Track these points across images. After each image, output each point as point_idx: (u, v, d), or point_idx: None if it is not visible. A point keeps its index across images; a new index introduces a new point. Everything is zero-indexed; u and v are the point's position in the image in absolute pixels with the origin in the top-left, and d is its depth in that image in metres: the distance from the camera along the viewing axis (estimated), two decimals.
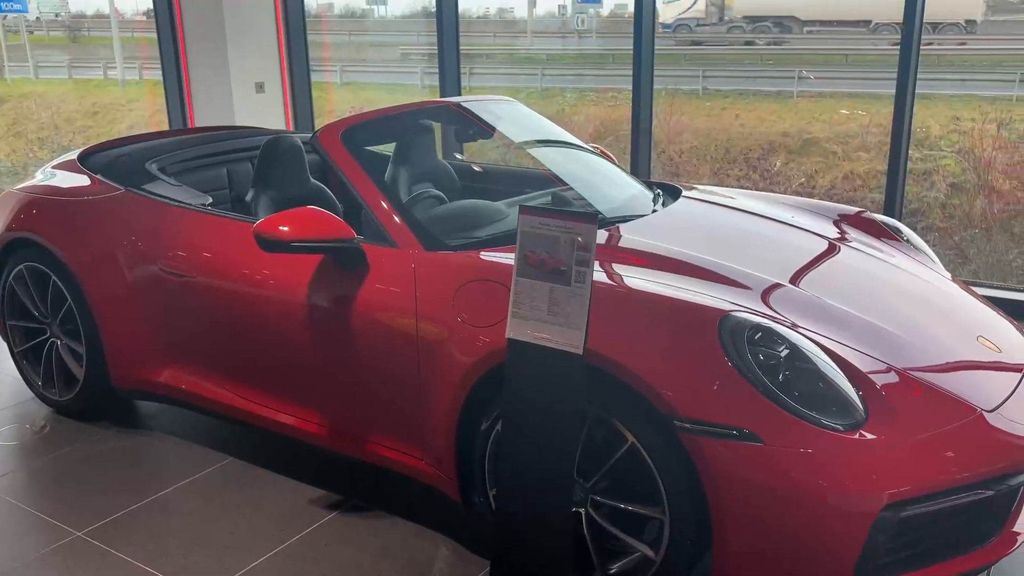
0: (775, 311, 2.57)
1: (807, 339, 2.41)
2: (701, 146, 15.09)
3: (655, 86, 5.72)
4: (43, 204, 3.84)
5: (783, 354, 2.33)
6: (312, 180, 3.80)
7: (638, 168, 5.69)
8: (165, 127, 7.54)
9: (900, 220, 4.26)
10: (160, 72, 7.28)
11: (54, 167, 4.13)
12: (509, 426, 2.39)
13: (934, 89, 16.87)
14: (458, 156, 5.01)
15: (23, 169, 14.72)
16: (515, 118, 4.00)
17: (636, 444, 2.36)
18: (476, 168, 4.39)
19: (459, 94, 6.44)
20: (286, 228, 2.86)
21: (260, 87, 7.17)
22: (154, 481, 3.39)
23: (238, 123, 6.83)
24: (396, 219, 2.99)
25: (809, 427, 2.21)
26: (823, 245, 3.24)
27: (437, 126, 4.21)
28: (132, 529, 3.08)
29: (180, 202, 3.58)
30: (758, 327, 2.37)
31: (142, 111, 19.36)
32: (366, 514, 3.14)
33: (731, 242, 3.19)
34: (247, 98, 7.06)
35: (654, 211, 3.39)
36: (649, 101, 5.72)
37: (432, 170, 4.02)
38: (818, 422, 2.22)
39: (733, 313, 2.39)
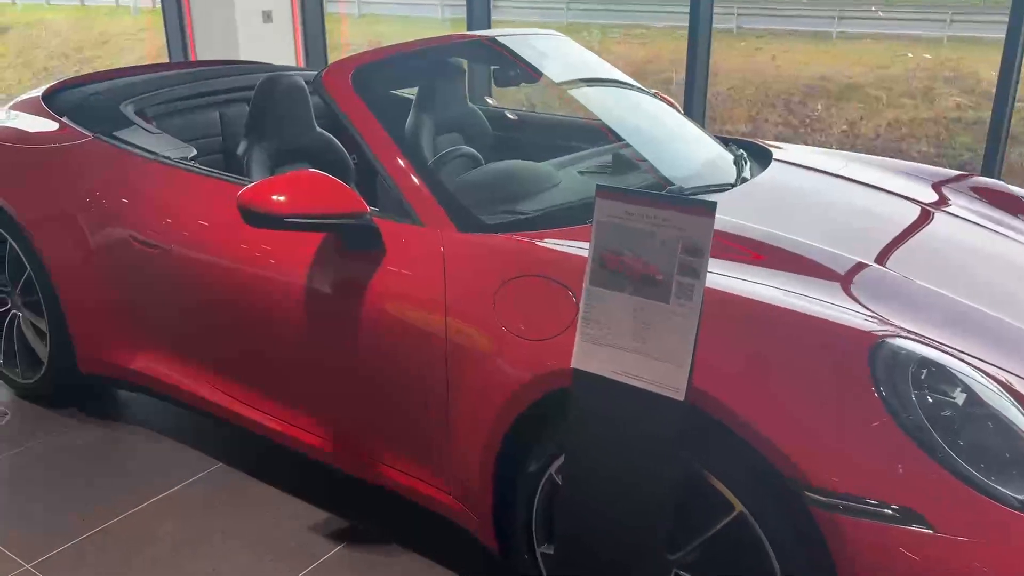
0: (937, 339, 1.90)
1: (989, 377, 1.76)
2: (736, 89, 14.29)
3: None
4: None
5: (960, 400, 1.68)
6: (318, 129, 3.14)
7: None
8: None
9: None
10: None
11: (15, 107, 3.48)
12: (573, 478, 1.77)
13: (982, 32, 15.96)
14: (489, 101, 4.32)
15: None
16: (564, 58, 3.29)
17: (746, 514, 1.74)
18: (510, 116, 3.70)
19: (489, 27, 5.70)
20: (281, 198, 2.21)
21: (268, 16, 6.57)
22: (124, 494, 2.80)
23: (243, 57, 6.15)
24: (420, 188, 2.34)
25: (999, 508, 1.57)
26: (975, 234, 2.55)
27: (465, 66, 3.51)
28: (92, 560, 2.50)
29: (155, 154, 2.93)
30: (925, 361, 1.72)
31: (154, 41, 18.65)
32: (379, 548, 2.55)
33: (858, 228, 2.48)
34: (253, 29, 6.45)
35: (743, 180, 2.71)
36: (707, 50, 5.00)
37: (461, 119, 3.34)
38: (1010, 501, 1.58)
39: (890, 340, 1.74)
